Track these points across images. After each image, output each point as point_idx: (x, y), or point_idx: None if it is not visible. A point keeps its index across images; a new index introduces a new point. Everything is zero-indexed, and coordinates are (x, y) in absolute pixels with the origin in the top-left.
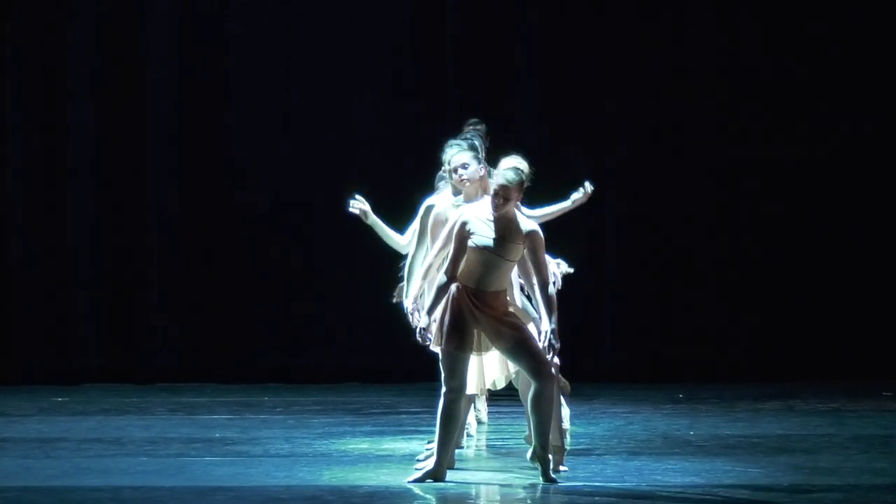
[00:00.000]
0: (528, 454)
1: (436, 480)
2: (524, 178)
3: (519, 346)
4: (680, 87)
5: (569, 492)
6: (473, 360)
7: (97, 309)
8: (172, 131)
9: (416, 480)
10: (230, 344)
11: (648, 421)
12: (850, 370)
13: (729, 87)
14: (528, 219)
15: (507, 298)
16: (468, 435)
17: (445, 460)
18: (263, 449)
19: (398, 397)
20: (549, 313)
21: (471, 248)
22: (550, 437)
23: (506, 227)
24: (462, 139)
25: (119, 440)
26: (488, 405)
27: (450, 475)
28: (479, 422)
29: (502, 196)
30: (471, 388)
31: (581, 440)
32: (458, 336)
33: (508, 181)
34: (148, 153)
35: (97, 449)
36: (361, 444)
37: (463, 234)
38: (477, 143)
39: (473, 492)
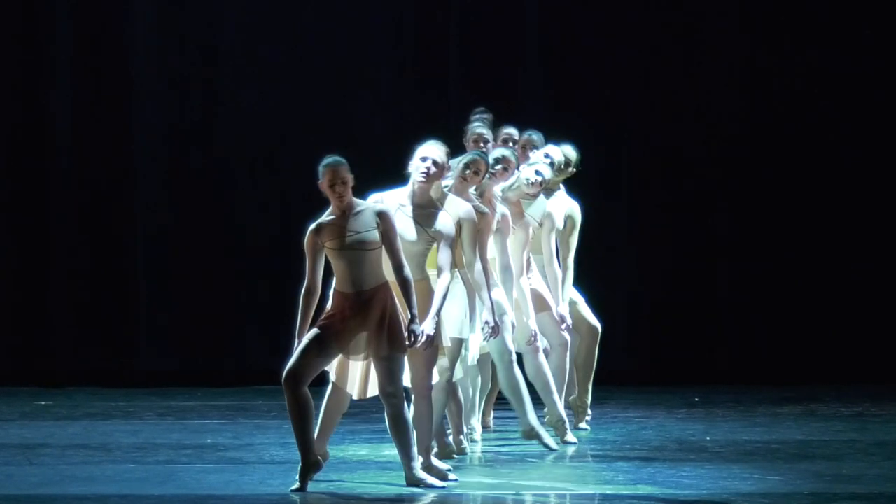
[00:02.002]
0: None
1: (315, 472)
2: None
3: (385, 364)
4: (694, 78)
5: (579, 499)
6: (360, 364)
7: (83, 308)
8: (161, 130)
9: (298, 489)
10: (223, 345)
11: (662, 426)
12: (875, 373)
13: (743, 80)
14: (381, 202)
15: (391, 294)
16: (472, 440)
17: (312, 450)
18: (257, 455)
19: None
20: (409, 298)
21: (330, 253)
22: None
23: (353, 218)
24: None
25: (105, 446)
26: (493, 410)
27: (453, 483)
28: (484, 427)
29: (341, 182)
30: (352, 389)
31: (592, 446)
32: (323, 335)
33: (340, 165)
34: (136, 152)
35: (82, 455)
36: (360, 451)
37: (316, 243)
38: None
39: (477, 500)
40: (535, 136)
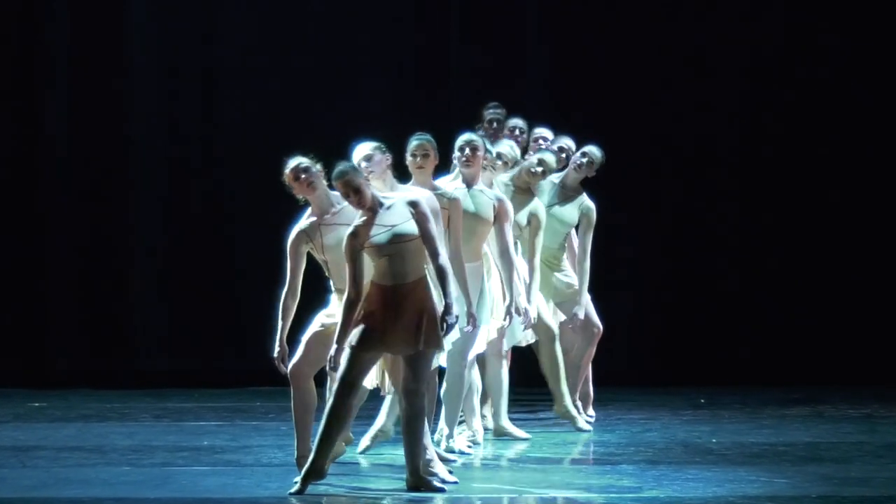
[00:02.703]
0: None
1: (317, 479)
2: (355, 165)
3: (413, 360)
4: (700, 75)
5: (583, 503)
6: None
7: (77, 308)
8: (155, 127)
9: (296, 493)
10: (219, 345)
11: (667, 428)
12: (883, 374)
13: (749, 78)
14: (412, 187)
15: (428, 288)
16: (474, 443)
17: (327, 457)
18: (255, 458)
19: None
20: (445, 287)
21: (369, 251)
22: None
23: (385, 213)
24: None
25: (100, 448)
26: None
27: (454, 486)
28: (487, 429)
29: (353, 191)
30: (369, 381)
31: (596, 448)
32: (368, 335)
33: (342, 176)
34: (129, 148)
35: (77, 458)
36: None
37: (354, 247)
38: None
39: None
40: (598, 153)
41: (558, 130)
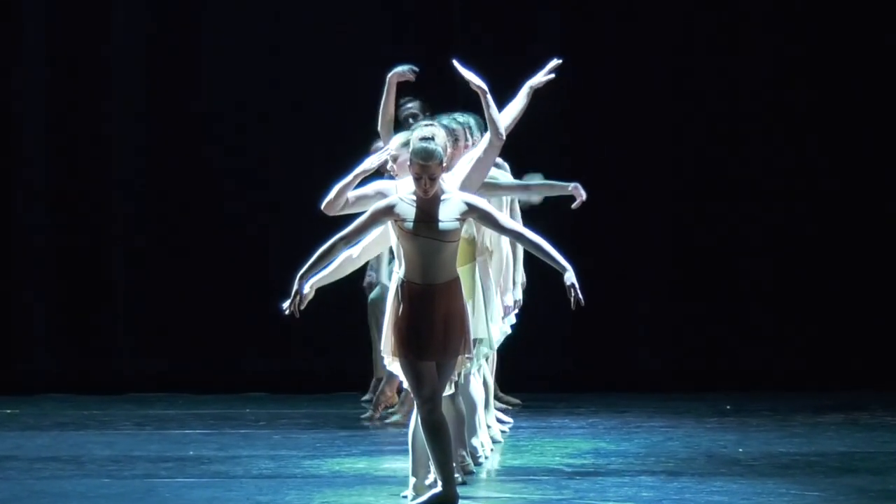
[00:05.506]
0: None
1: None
2: (446, 147)
3: (441, 368)
4: (720, 77)
5: None
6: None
7: (51, 308)
8: (141, 122)
9: None
10: (206, 348)
11: (690, 436)
12: None
13: (760, 78)
14: (460, 191)
15: (460, 292)
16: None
17: (454, 480)
18: (245, 469)
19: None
20: (550, 254)
21: (403, 235)
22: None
23: (437, 205)
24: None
25: (78, 459)
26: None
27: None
28: (494, 441)
29: (428, 177)
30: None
31: (613, 458)
32: (416, 340)
33: (431, 160)
34: (112, 143)
35: (52, 469)
36: (358, 464)
37: (384, 216)
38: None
39: None
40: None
41: (567, 130)
